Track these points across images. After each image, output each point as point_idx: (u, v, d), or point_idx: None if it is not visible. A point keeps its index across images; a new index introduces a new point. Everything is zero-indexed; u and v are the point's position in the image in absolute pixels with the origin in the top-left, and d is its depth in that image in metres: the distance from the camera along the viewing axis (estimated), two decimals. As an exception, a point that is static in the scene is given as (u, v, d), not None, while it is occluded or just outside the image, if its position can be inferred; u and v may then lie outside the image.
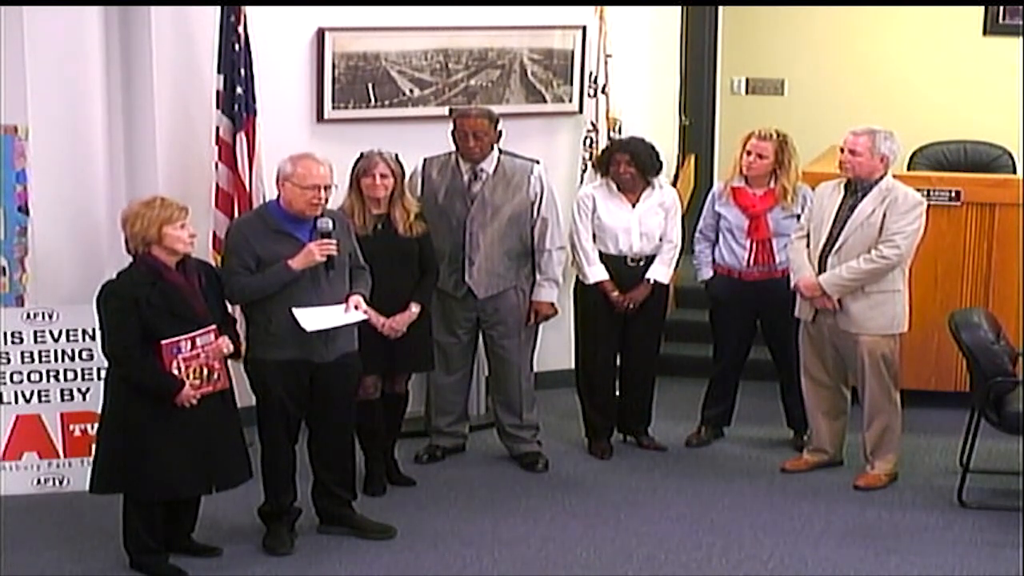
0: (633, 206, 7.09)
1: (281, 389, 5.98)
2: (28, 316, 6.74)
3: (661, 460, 7.25)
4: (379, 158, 6.51)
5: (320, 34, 7.35)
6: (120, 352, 5.67)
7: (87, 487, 5.88)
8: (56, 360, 6.76)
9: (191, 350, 5.65)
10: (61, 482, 6.74)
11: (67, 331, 6.74)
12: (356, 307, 6.03)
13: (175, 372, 5.62)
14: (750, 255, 7.16)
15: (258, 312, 5.97)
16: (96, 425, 6.06)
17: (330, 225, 5.95)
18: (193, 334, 5.65)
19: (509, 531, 6.37)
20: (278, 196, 6.00)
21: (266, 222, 5.99)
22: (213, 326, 5.72)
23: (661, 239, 7.12)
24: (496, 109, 7.10)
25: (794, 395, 7.20)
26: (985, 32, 9.80)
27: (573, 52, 7.86)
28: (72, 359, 6.76)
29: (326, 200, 5.97)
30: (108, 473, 5.77)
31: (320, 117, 7.45)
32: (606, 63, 7.88)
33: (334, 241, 5.94)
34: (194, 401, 5.68)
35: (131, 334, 5.61)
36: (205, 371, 5.70)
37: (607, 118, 7.91)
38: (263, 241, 5.93)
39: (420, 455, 7.16)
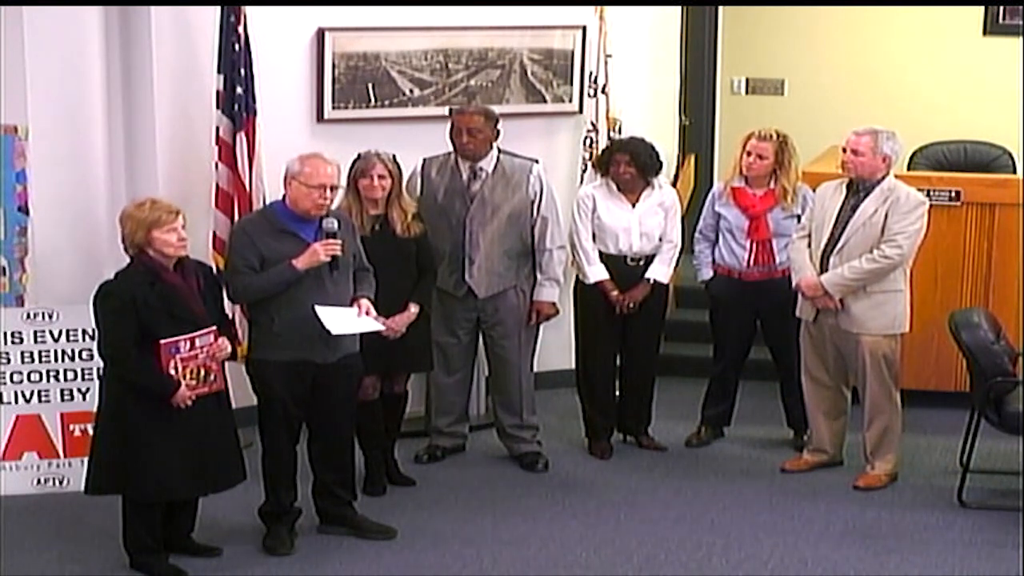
0: (633, 206, 7.09)
1: (283, 390, 5.97)
2: (28, 316, 6.75)
3: (661, 460, 7.25)
4: (377, 159, 6.51)
5: (320, 34, 7.35)
6: (116, 352, 5.66)
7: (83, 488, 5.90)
8: (56, 360, 6.76)
9: (190, 350, 5.65)
10: (61, 482, 6.74)
11: (67, 331, 6.74)
12: (367, 312, 6.04)
13: (172, 372, 5.61)
14: (750, 255, 7.16)
15: (261, 312, 5.97)
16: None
17: (335, 225, 5.95)
18: (192, 335, 5.65)
19: (509, 531, 6.37)
20: (284, 196, 6.00)
21: (270, 222, 5.99)
22: (213, 327, 5.72)
23: (661, 239, 7.12)
24: (496, 109, 7.09)
25: (794, 395, 7.20)
26: (985, 32, 9.81)
27: (573, 52, 7.86)
28: (72, 359, 6.77)
29: (331, 200, 5.98)
30: (103, 474, 5.76)
31: (320, 117, 7.44)
32: (606, 63, 7.88)
33: (339, 241, 5.94)
34: (189, 402, 5.67)
35: (127, 334, 5.60)
36: (202, 372, 5.69)
37: (607, 118, 7.91)
38: (267, 240, 5.92)
39: (420, 455, 7.16)
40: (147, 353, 5.60)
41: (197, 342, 5.66)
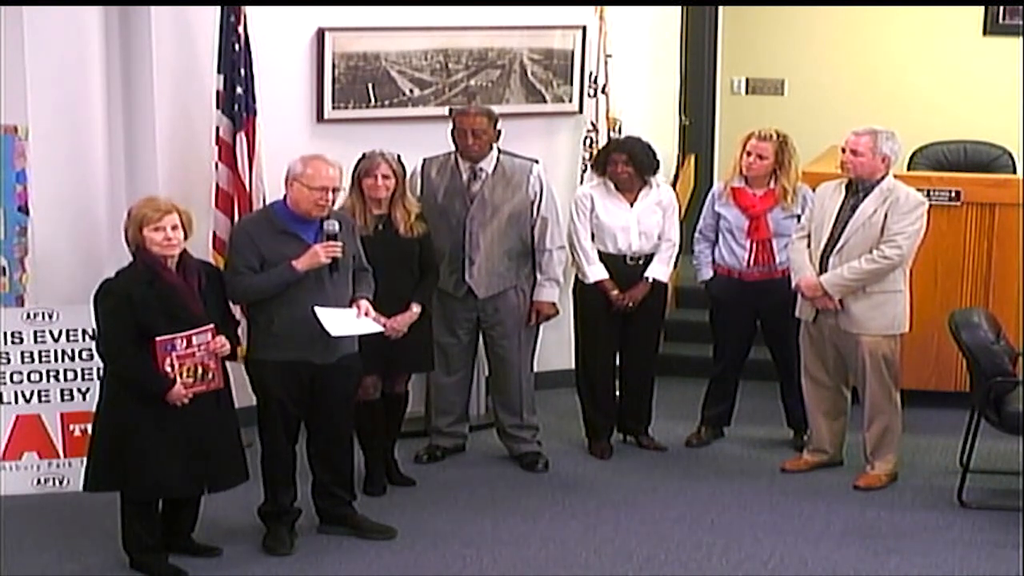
0: (631, 205, 7.09)
1: (281, 390, 5.97)
2: (28, 316, 6.75)
3: (661, 460, 7.25)
4: (381, 159, 6.51)
5: (320, 34, 7.35)
6: (112, 350, 5.67)
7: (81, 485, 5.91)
8: (56, 360, 6.76)
9: (186, 348, 5.64)
10: (61, 482, 6.74)
11: (67, 331, 6.74)
12: (366, 313, 6.04)
13: (168, 369, 5.61)
14: (750, 255, 7.16)
15: (260, 312, 5.97)
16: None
17: (336, 227, 5.95)
18: (189, 332, 5.65)
19: (509, 531, 6.37)
20: (285, 196, 6.00)
21: (272, 222, 5.99)
22: (211, 325, 5.72)
23: (659, 238, 7.12)
24: (496, 109, 7.10)
25: (794, 395, 7.20)
26: (985, 32, 9.81)
27: (573, 52, 7.86)
28: (72, 359, 6.76)
29: (333, 202, 5.98)
30: (101, 471, 5.76)
31: (320, 117, 7.45)
32: (606, 63, 7.89)
33: (340, 244, 5.94)
34: (185, 400, 5.67)
35: (124, 332, 5.61)
36: (199, 370, 5.69)
37: (607, 118, 7.91)
38: (268, 241, 5.92)
39: (420, 455, 7.17)
40: (143, 351, 5.60)
41: (194, 340, 5.66)
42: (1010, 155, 9.24)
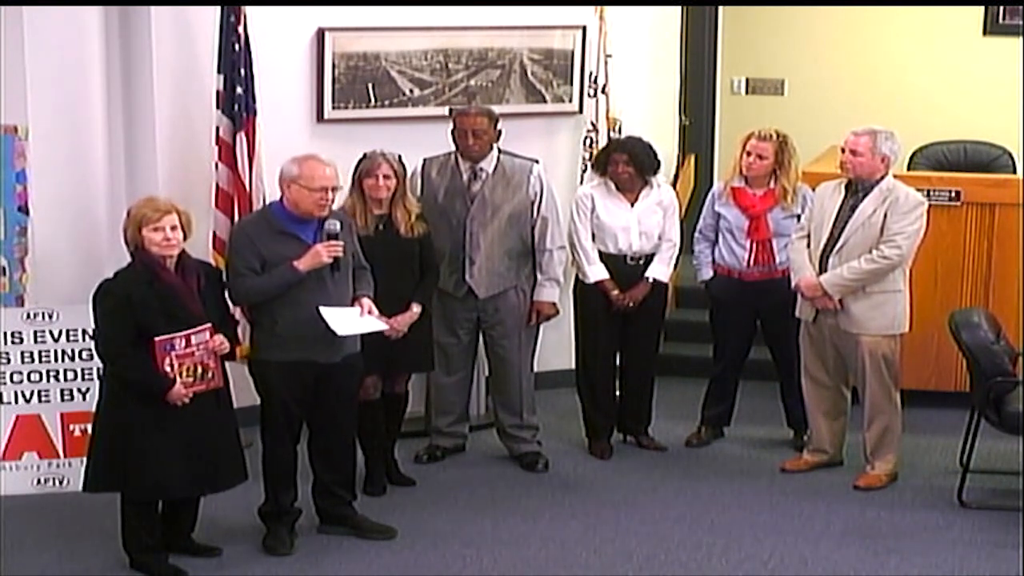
0: (632, 205, 7.09)
1: (285, 390, 5.97)
2: (28, 316, 6.75)
3: (661, 460, 7.25)
4: (382, 159, 6.51)
5: (320, 34, 7.35)
6: (111, 350, 5.67)
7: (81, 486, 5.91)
8: (56, 360, 6.76)
9: (185, 348, 5.64)
10: (61, 482, 6.74)
11: (67, 331, 6.74)
12: (370, 311, 6.04)
13: (168, 369, 5.61)
14: (750, 255, 7.16)
15: (263, 313, 5.97)
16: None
17: (338, 227, 5.95)
18: (187, 332, 5.65)
19: (509, 531, 6.37)
20: (281, 197, 6.00)
21: (270, 223, 5.99)
22: (208, 324, 5.72)
23: (660, 238, 7.13)
24: (496, 109, 7.10)
25: (794, 395, 7.20)
26: (985, 32, 9.82)
27: (573, 52, 7.86)
28: (72, 359, 6.77)
29: (332, 201, 5.98)
30: (101, 472, 5.77)
31: (320, 117, 7.45)
32: (606, 63, 7.89)
33: (341, 243, 5.94)
34: (186, 399, 5.67)
35: (123, 333, 5.61)
36: (199, 369, 5.69)
37: (607, 118, 7.91)
38: (267, 242, 5.92)
39: (420, 455, 7.17)
40: (143, 351, 5.60)
41: (193, 339, 5.66)
42: (1010, 155, 9.24)
